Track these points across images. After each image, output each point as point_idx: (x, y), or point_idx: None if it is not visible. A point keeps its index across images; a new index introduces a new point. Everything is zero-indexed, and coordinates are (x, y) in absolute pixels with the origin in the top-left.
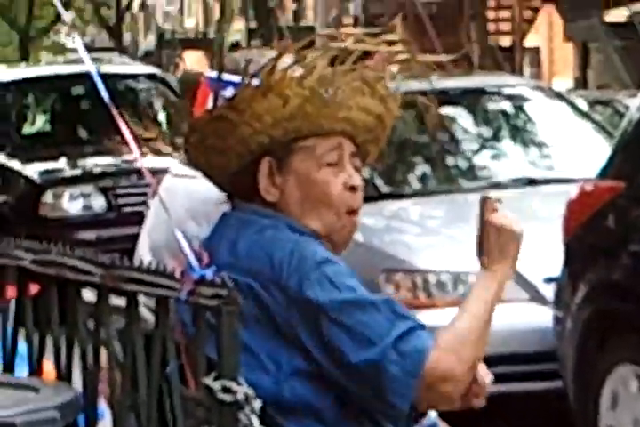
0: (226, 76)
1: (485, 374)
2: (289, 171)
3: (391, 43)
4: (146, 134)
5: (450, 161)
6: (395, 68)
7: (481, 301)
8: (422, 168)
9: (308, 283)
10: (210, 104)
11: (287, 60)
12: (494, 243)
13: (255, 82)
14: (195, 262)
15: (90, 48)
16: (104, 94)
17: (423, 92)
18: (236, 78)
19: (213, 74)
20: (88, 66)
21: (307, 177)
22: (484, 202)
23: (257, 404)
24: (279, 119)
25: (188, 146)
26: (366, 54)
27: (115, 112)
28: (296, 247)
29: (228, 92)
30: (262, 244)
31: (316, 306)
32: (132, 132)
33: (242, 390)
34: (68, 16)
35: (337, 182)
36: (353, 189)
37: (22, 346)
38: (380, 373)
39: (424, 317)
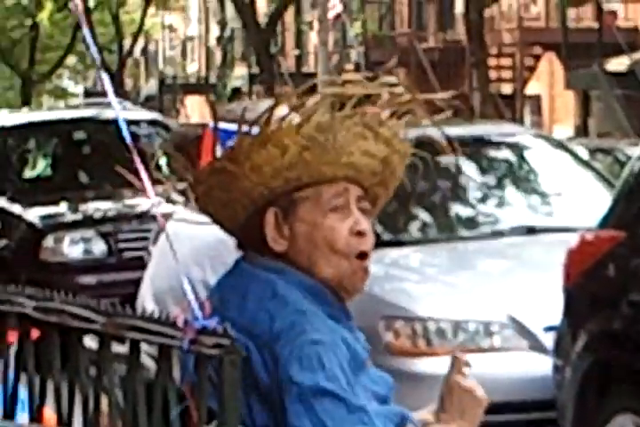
0: (228, 126)
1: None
2: (295, 220)
3: (391, 85)
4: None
5: (451, 209)
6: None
7: None
8: (423, 216)
9: (296, 355)
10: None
11: (285, 108)
12: (457, 404)
13: (253, 131)
14: (198, 312)
15: (91, 93)
16: (127, 138)
17: (427, 141)
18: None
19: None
20: (115, 109)
21: (313, 225)
22: (454, 360)
23: None
24: (279, 169)
25: (197, 196)
26: (367, 97)
27: (135, 155)
28: (299, 320)
29: (232, 142)
30: (269, 308)
31: (295, 382)
32: (149, 175)
33: None
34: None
35: (343, 228)
36: (360, 233)
37: (23, 392)
38: None
39: (424, 365)
